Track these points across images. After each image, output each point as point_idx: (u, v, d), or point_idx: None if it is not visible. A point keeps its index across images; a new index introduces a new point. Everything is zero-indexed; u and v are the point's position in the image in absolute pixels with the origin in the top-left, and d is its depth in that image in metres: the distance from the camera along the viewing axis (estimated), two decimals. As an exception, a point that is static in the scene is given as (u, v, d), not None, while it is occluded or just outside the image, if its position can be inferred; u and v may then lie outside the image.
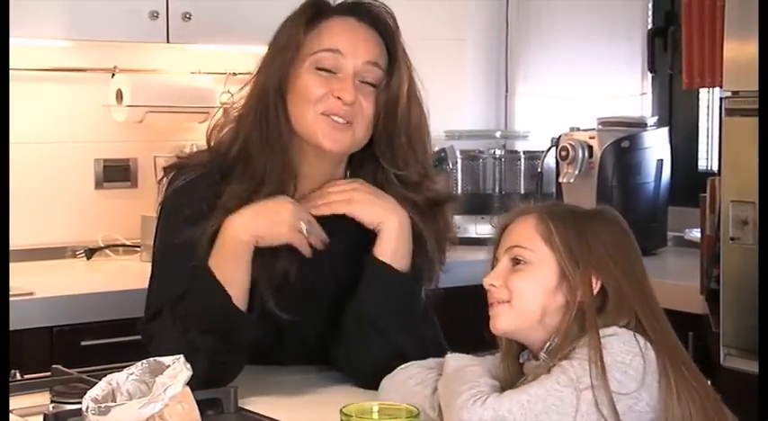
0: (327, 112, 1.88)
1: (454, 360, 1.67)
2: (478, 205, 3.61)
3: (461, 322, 2.33)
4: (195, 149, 2.12)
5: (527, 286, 1.61)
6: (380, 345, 1.88)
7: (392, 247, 1.90)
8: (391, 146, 1.95)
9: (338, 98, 1.87)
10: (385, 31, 1.95)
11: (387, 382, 1.76)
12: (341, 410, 1.47)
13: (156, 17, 3.08)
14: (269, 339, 1.93)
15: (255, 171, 1.89)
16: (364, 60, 1.90)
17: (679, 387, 1.55)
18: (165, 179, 1.97)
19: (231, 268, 1.82)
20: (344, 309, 1.92)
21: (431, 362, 1.76)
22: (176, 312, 1.82)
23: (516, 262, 1.63)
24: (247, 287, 1.83)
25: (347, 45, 1.90)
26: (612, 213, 1.68)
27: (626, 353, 1.53)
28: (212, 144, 1.97)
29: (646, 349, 1.55)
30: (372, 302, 1.89)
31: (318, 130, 1.88)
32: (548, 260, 1.61)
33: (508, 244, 1.65)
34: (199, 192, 1.89)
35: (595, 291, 1.59)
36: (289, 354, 2.01)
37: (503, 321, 1.63)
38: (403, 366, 1.77)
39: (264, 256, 1.86)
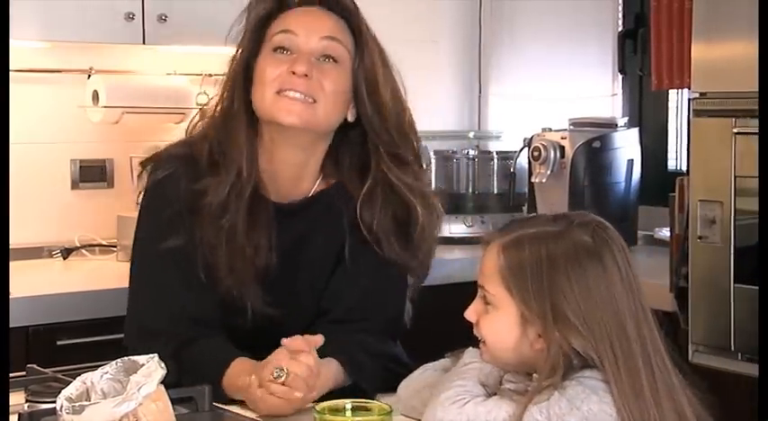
0: (283, 88, 1.88)
1: (469, 356, 1.62)
2: (452, 205, 3.61)
3: (435, 321, 2.36)
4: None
5: (493, 332, 1.56)
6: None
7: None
8: (385, 123, 1.93)
9: (293, 73, 1.87)
10: (343, 12, 1.95)
11: (403, 391, 1.72)
12: (314, 408, 1.49)
13: (132, 19, 3.08)
14: (254, 337, 1.90)
15: (229, 165, 1.89)
16: (321, 36, 1.91)
17: None
18: (143, 172, 1.99)
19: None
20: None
21: (446, 362, 1.69)
22: (178, 356, 1.79)
23: (486, 301, 1.57)
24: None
25: (301, 24, 1.91)
26: (589, 234, 1.55)
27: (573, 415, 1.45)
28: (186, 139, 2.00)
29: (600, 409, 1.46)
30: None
31: (275, 108, 1.88)
32: (507, 305, 1.54)
33: (479, 278, 1.58)
34: (177, 191, 1.91)
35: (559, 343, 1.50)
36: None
37: (486, 359, 1.58)
38: (419, 371, 1.73)
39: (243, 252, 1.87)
